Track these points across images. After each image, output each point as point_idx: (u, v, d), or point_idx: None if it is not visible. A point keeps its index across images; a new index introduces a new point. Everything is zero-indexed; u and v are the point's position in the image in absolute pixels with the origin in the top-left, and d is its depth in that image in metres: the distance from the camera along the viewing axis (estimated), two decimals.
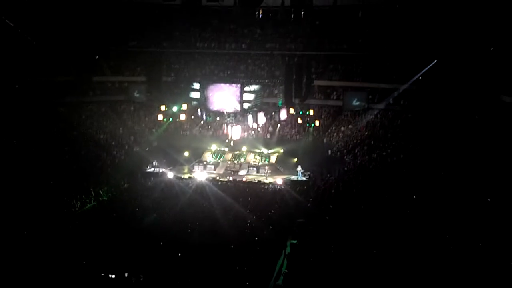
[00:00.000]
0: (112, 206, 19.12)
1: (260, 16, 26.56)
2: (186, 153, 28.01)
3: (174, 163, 26.78)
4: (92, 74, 30.60)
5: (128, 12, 30.71)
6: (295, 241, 15.44)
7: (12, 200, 17.31)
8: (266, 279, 12.60)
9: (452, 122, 25.24)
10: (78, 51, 28.79)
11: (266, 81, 30.20)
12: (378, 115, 29.50)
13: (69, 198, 19.11)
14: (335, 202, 19.24)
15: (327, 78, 31.47)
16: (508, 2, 23.62)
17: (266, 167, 26.19)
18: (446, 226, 15.47)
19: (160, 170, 25.31)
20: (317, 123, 29.47)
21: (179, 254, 13.24)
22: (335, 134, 29.90)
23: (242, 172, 26.21)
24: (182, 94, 29.34)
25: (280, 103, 29.22)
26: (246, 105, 27.35)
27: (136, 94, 31.16)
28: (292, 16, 23.62)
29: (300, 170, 24.98)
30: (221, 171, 26.54)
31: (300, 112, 29.40)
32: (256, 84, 28.14)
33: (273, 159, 28.25)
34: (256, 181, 24.39)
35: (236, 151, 28.93)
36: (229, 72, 32.32)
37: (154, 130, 30.89)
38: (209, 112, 28.34)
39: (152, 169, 25.68)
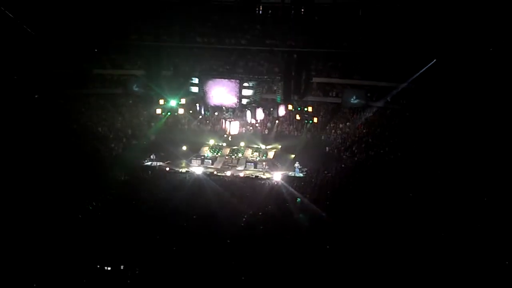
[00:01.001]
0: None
1: (260, 12, 26.59)
2: (184, 147, 28.01)
3: (172, 157, 26.82)
4: (92, 66, 30.65)
5: (129, 5, 30.62)
6: None
7: (11, 194, 17.29)
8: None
9: (450, 121, 25.30)
10: (78, 43, 28.78)
11: (265, 77, 30.08)
12: (377, 113, 29.54)
13: (70, 192, 18.99)
14: (332, 199, 19.34)
15: (326, 75, 31.43)
16: (508, 2, 23.64)
17: (264, 163, 26.27)
18: (442, 224, 15.60)
19: (158, 164, 25.37)
20: (315, 120, 29.50)
21: (174, 248, 13.33)
22: (333, 131, 29.95)
23: (239, 167, 26.28)
24: (180, 88, 29.34)
25: (278, 99, 29.29)
26: (244, 101, 27.45)
27: (135, 88, 31.03)
28: (293, 13, 23.67)
29: (297, 166, 25.04)
30: (218, 166, 26.58)
31: (299, 109, 29.56)
32: (255, 80, 28.18)
33: (270, 154, 28.31)
34: (254, 177, 24.48)
35: (234, 146, 28.93)
36: (228, 68, 32.22)
37: (152, 123, 30.89)
38: (207, 106, 28.43)
39: (150, 163, 25.71)
